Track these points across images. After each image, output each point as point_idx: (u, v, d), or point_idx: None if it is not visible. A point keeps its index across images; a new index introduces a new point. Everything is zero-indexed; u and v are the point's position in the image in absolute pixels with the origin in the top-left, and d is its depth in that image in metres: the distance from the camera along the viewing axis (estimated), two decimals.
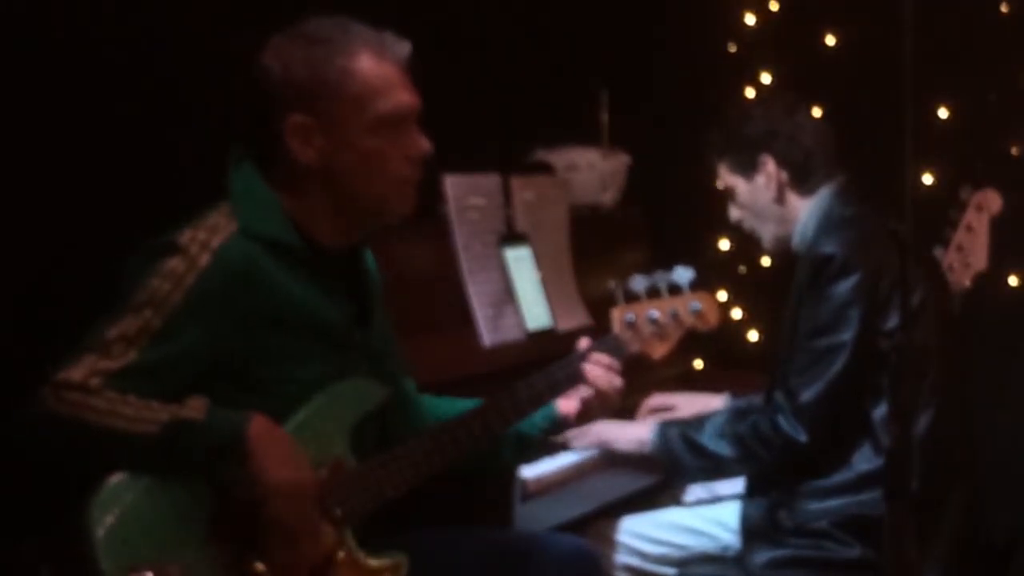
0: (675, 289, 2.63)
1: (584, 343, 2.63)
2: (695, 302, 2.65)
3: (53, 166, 2.85)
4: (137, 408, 2.13)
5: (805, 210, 3.08)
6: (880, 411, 2.88)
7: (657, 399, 3.38)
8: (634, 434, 3.06)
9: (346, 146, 2.31)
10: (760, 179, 3.11)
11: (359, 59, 2.30)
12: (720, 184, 3.23)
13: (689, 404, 3.35)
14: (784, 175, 3.09)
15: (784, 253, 3.18)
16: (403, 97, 2.35)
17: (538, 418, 2.62)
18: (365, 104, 2.30)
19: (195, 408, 2.15)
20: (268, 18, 2.39)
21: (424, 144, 2.38)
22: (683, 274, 2.64)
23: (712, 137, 3.21)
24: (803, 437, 2.88)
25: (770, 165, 3.09)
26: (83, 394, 2.12)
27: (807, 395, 2.89)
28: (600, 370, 2.58)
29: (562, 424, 2.66)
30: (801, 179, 3.09)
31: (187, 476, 2.15)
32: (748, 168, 3.12)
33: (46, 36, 2.85)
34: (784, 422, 2.90)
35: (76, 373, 2.14)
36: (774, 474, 2.96)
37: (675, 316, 2.64)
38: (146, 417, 2.12)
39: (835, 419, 2.90)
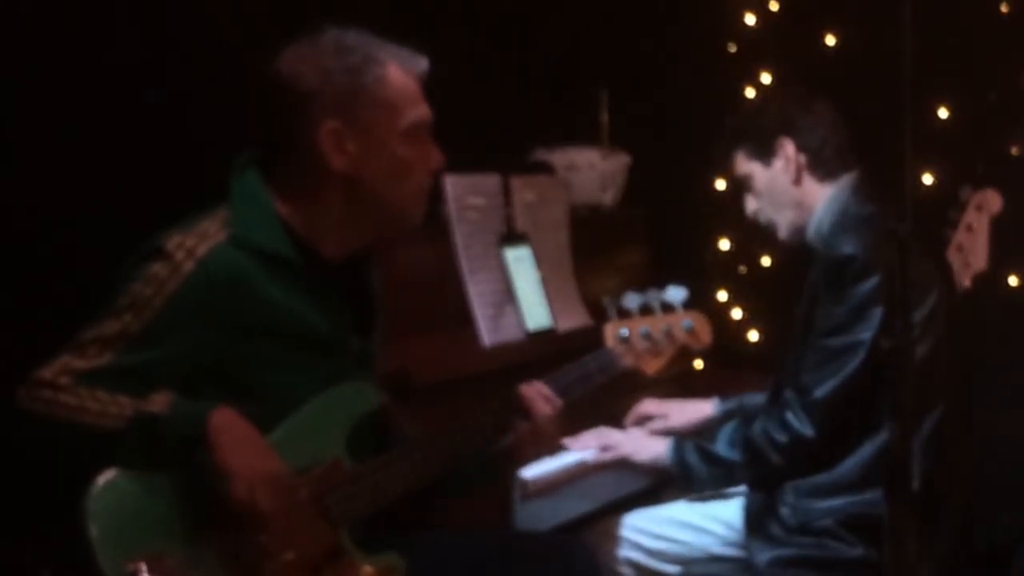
0: (668, 307, 2.64)
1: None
2: (687, 320, 2.65)
3: (66, 166, 2.85)
4: (104, 403, 2.15)
5: (822, 200, 3.10)
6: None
7: (649, 405, 3.38)
8: (651, 449, 3.10)
9: (379, 152, 2.34)
10: (779, 163, 3.13)
11: (390, 69, 2.35)
12: (736, 173, 3.23)
13: (680, 411, 3.36)
14: (803, 158, 3.11)
15: (798, 243, 3.18)
16: (426, 109, 2.40)
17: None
18: (399, 112, 2.35)
19: (159, 402, 2.16)
20: (279, 25, 2.40)
21: (440, 157, 2.43)
22: (676, 293, 2.65)
23: (728, 125, 3.24)
24: (810, 432, 2.90)
25: (789, 148, 3.11)
26: (52, 391, 2.16)
27: (820, 391, 2.90)
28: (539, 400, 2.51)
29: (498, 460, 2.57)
30: (819, 163, 3.12)
31: (159, 467, 2.16)
32: (766, 153, 3.14)
33: (60, 37, 2.85)
34: (792, 417, 2.92)
35: (48, 372, 2.18)
36: (781, 476, 2.97)
37: (668, 333, 2.64)
38: (112, 412, 2.15)
39: (847, 417, 2.91)
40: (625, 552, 3.07)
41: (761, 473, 2.99)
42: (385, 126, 2.34)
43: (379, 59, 2.34)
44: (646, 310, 2.64)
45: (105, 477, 2.13)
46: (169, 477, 2.17)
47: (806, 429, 2.90)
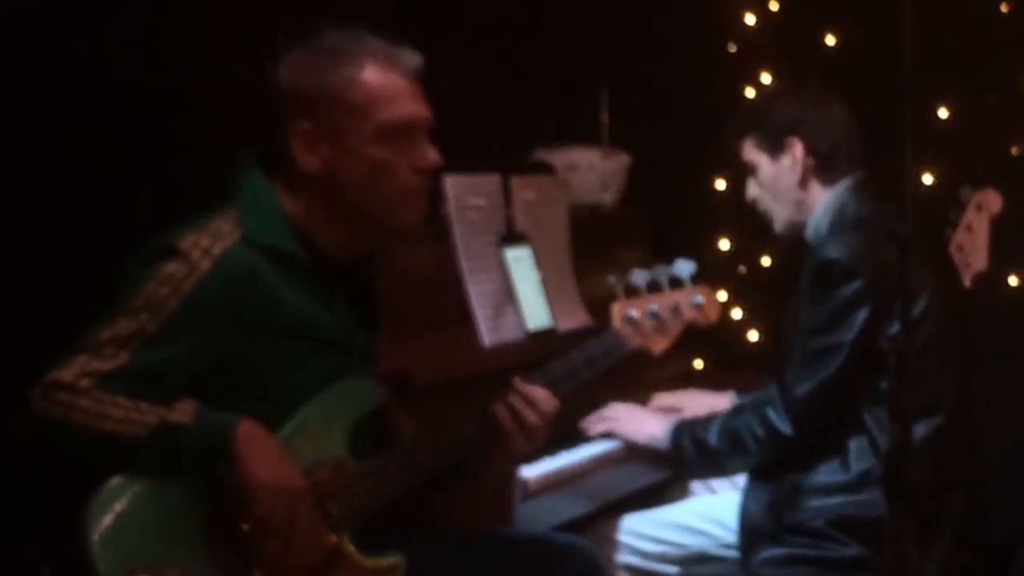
0: (676, 282, 2.62)
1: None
2: (697, 296, 2.63)
3: (59, 168, 2.85)
4: (126, 410, 2.12)
5: (822, 202, 3.09)
6: (875, 413, 2.91)
7: (663, 400, 3.39)
8: (648, 429, 3.11)
9: (349, 155, 2.31)
10: (786, 161, 3.11)
11: (365, 69, 2.31)
12: (742, 157, 3.21)
13: (695, 403, 3.37)
14: (811, 161, 3.10)
15: (794, 238, 3.18)
16: (410, 107, 2.35)
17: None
18: (367, 113, 2.31)
19: (184, 412, 2.14)
20: (282, 26, 2.40)
21: (432, 156, 2.37)
22: (684, 267, 2.63)
23: (740, 113, 3.22)
24: (788, 429, 2.93)
25: (798, 149, 3.09)
26: (71, 395, 2.12)
27: (800, 390, 2.93)
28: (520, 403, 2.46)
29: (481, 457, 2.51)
30: (826, 168, 3.10)
31: (177, 478, 2.14)
32: (776, 148, 3.12)
33: (52, 41, 2.84)
34: (772, 414, 2.94)
35: (66, 374, 2.14)
36: (770, 470, 2.98)
37: (675, 310, 2.61)
38: (134, 419, 2.12)
39: (825, 417, 2.94)
40: (622, 557, 3.07)
41: (744, 465, 3.02)
42: (355, 128, 2.30)
43: (355, 60, 2.31)
44: (654, 287, 2.61)
45: (107, 485, 2.11)
46: (172, 486, 2.15)
47: (785, 427, 2.93)
